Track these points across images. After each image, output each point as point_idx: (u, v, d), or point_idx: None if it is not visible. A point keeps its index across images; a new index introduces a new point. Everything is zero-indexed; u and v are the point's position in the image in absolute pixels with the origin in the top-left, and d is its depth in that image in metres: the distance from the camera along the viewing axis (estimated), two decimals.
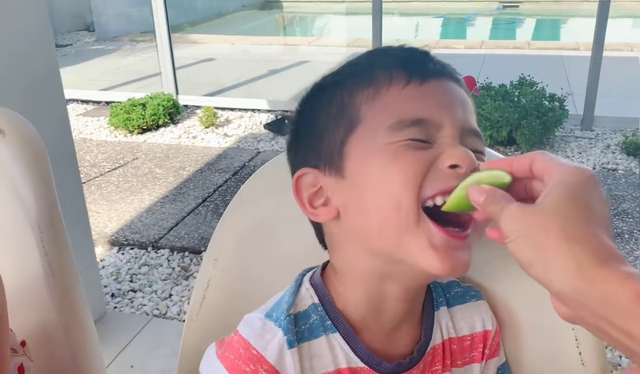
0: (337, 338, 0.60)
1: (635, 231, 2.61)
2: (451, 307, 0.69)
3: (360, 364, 0.60)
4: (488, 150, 0.76)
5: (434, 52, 0.64)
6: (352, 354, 0.60)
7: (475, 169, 0.55)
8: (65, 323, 0.98)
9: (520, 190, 0.52)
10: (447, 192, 0.55)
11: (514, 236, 0.46)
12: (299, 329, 0.60)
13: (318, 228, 0.67)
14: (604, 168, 3.32)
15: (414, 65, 0.60)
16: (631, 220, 2.70)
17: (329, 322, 0.61)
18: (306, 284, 0.64)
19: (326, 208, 0.61)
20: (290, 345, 0.58)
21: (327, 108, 0.61)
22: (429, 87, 0.59)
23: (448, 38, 7.95)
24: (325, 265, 0.67)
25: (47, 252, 0.91)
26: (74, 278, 0.98)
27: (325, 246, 0.67)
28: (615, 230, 2.61)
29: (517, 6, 9.42)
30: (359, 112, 0.59)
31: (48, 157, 0.91)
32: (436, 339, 0.66)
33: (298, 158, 0.64)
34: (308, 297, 0.62)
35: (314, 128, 0.62)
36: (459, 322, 0.69)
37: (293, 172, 0.64)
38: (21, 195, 0.88)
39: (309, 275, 0.65)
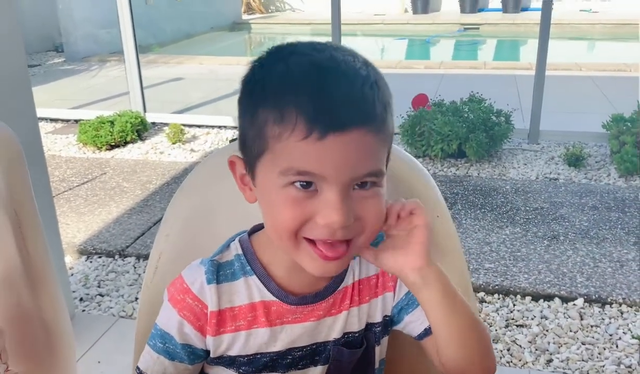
0: (253, 280, 0.77)
1: (570, 233, 2.83)
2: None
3: (272, 298, 0.77)
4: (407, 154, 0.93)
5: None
6: (266, 291, 0.77)
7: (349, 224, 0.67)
8: (39, 302, 1.10)
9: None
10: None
11: None
12: (223, 272, 0.77)
13: None
14: (546, 177, 3.56)
15: (318, 116, 0.63)
16: (567, 223, 2.93)
17: (248, 267, 0.77)
18: (236, 241, 0.80)
19: (250, 192, 0.74)
20: (209, 282, 0.75)
21: (250, 120, 0.69)
22: (326, 145, 0.63)
23: (411, 59, 8.27)
24: (257, 228, 0.81)
25: (23, 237, 1.05)
26: (47, 262, 1.12)
27: None
28: (552, 233, 2.84)
29: (478, 28, 9.81)
30: (267, 141, 0.66)
31: (24, 155, 1.06)
32: (348, 281, 0.80)
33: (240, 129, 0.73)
34: (234, 249, 0.79)
35: (243, 127, 0.71)
36: (369, 264, 0.80)
37: (240, 135, 0.73)
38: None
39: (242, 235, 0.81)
